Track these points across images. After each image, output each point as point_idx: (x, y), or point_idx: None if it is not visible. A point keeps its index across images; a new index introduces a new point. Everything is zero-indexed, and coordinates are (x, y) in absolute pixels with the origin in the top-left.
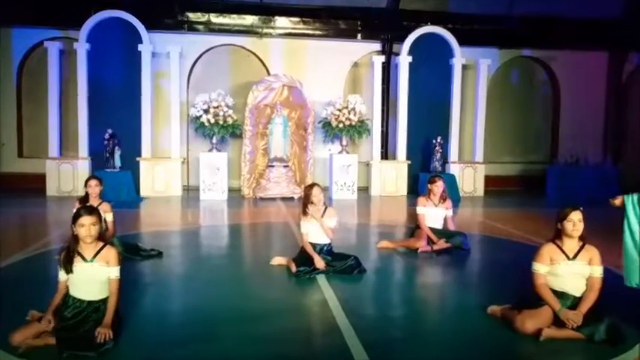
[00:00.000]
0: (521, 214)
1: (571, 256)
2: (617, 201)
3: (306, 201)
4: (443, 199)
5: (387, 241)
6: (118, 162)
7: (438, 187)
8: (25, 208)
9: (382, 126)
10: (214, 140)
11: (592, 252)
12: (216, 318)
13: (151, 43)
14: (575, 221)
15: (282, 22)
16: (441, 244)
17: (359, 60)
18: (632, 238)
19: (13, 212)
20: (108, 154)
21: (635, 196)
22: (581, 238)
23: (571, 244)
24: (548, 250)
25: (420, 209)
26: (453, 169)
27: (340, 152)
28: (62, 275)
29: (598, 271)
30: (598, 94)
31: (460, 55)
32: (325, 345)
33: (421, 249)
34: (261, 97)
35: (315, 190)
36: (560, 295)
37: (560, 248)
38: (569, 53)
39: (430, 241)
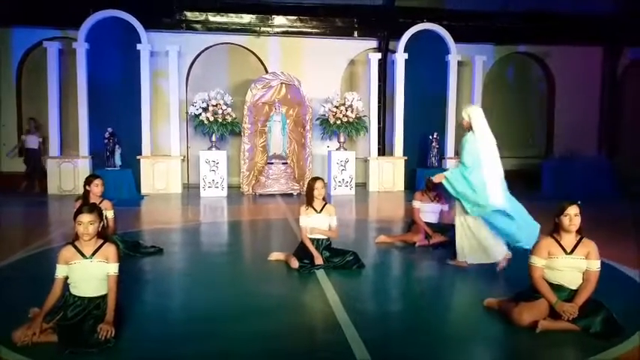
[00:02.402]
0: None
1: (568, 250)
2: (440, 177)
3: (308, 193)
4: (439, 196)
5: (385, 235)
6: (118, 160)
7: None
8: (26, 207)
9: (379, 122)
10: (214, 138)
11: (589, 246)
12: (217, 314)
13: (150, 43)
14: (571, 215)
15: (280, 21)
16: (438, 237)
17: (355, 57)
18: (469, 187)
19: (15, 211)
20: (108, 153)
21: (455, 171)
22: (579, 232)
23: (569, 239)
24: (546, 243)
25: (415, 203)
26: (450, 164)
27: (338, 149)
28: (60, 271)
29: (595, 265)
30: (593, 89)
31: (456, 52)
32: (325, 340)
33: (419, 243)
34: (259, 95)
35: (318, 184)
36: (557, 288)
37: (558, 242)
38: (564, 49)
39: (427, 235)
